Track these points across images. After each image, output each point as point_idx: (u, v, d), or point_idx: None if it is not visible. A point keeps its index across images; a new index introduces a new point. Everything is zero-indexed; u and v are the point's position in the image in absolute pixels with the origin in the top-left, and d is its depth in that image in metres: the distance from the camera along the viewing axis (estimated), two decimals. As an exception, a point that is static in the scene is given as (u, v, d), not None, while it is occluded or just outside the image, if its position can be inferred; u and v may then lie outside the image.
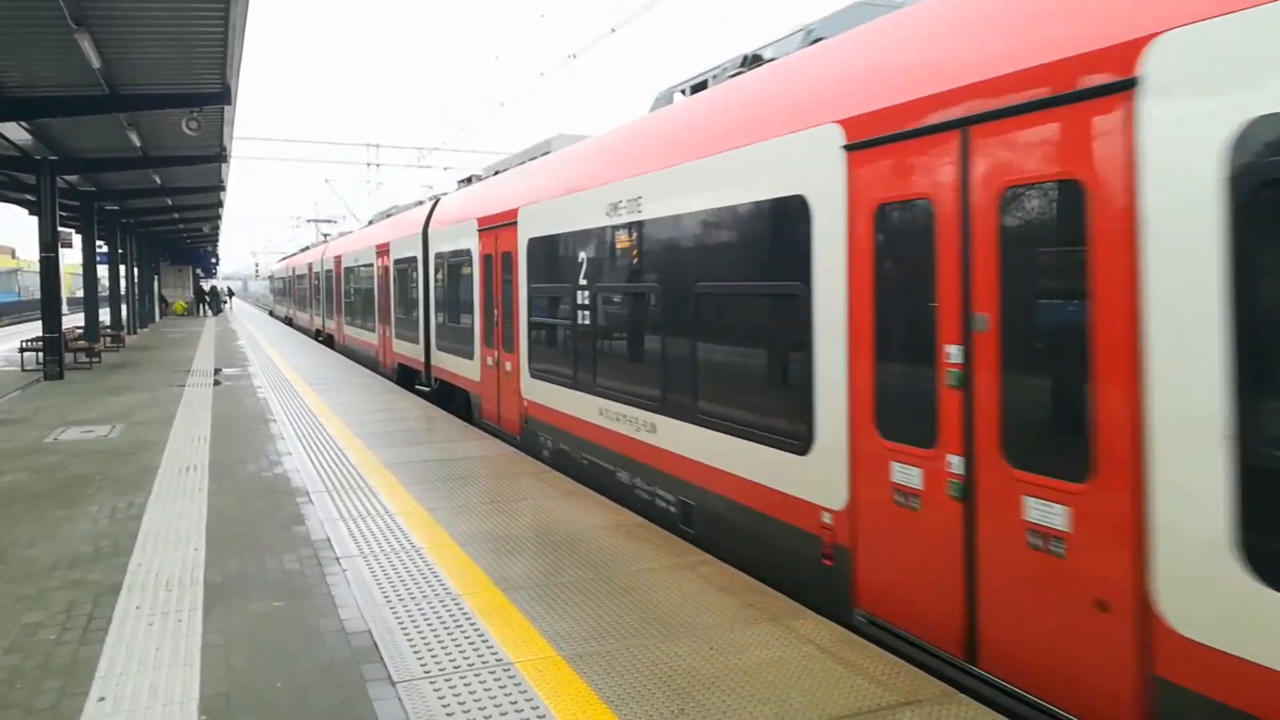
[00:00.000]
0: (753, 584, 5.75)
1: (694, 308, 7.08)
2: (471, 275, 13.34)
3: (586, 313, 9.22)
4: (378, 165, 45.71)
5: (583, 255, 9.19)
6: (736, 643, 4.81)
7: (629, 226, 8.17)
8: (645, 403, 7.94)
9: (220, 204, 36.08)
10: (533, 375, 10.86)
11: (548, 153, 12.34)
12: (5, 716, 4.10)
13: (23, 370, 20.82)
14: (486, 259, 12.64)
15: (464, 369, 14.01)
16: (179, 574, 6.09)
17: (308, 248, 46.12)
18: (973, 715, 3.98)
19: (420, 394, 16.28)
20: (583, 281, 9.22)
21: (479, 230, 12.91)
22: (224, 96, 15.46)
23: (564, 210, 9.75)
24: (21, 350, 21.51)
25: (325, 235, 45.45)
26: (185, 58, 13.72)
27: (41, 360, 19.71)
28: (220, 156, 21.84)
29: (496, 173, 14.38)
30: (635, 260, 8.15)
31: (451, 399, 14.98)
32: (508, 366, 11.82)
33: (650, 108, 9.90)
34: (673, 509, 7.52)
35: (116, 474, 9.38)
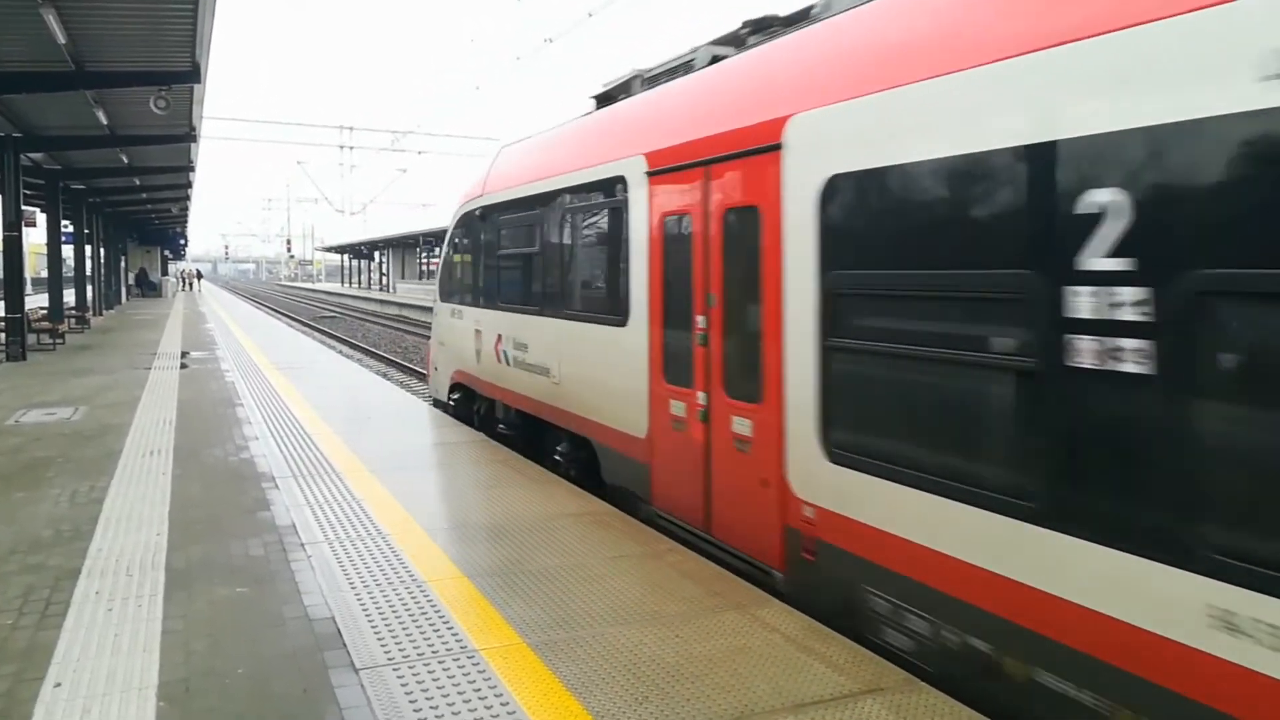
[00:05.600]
0: (719, 572, 5.78)
1: None
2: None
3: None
4: (351, 148, 45.31)
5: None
6: (702, 630, 4.83)
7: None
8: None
9: (189, 184, 35.59)
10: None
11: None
12: (-42, 702, 4.03)
13: (-16, 351, 20.42)
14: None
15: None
16: (140, 558, 6.01)
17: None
18: (933, 703, 4.03)
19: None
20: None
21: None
22: (193, 75, 15.24)
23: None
24: (-17, 330, 21.10)
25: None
26: (154, 34, 13.50)
27: (3, 341, 19.35)
28: (189, 136, 21.53)
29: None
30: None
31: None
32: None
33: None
34: None
35: (79, 457, 9.24)
